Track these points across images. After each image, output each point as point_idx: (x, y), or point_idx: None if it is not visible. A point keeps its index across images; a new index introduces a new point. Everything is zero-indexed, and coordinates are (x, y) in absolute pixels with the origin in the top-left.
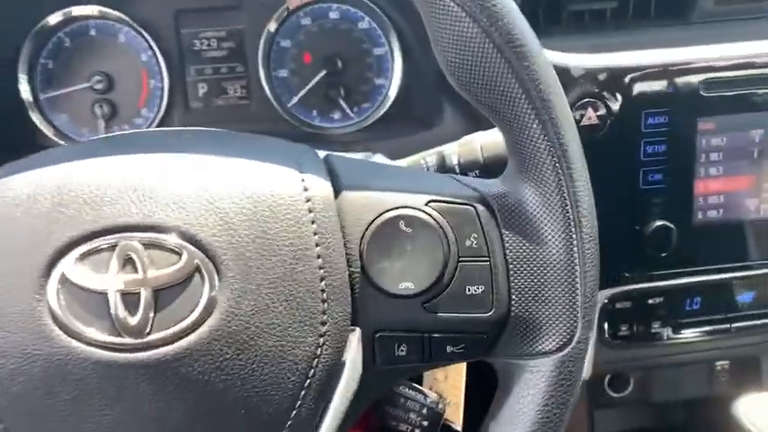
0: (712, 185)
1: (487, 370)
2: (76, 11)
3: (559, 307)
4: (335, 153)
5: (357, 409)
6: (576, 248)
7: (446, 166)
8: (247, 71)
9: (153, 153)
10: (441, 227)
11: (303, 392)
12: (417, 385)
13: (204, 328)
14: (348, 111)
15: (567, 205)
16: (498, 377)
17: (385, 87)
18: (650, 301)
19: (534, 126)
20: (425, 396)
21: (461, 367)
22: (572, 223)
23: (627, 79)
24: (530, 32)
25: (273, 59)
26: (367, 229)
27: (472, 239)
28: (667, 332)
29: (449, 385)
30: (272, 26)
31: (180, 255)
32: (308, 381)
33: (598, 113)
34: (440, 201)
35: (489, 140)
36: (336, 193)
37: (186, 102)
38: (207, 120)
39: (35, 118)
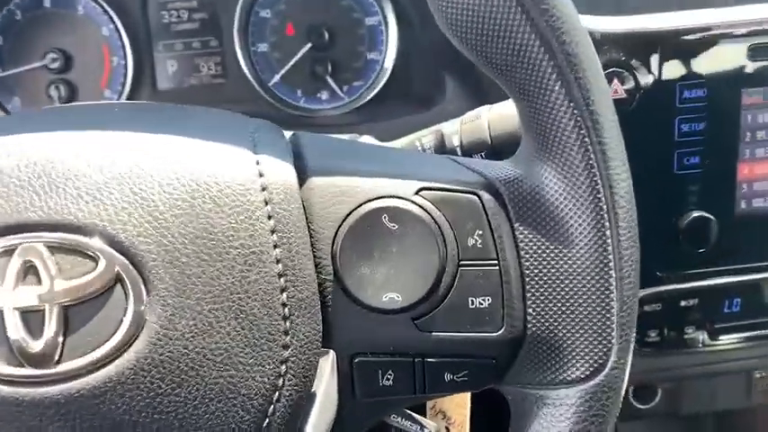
0: (758, 169)
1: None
2: None
3: (589, 323)
4: (307, 133)
5: None
6: (610, 247)
7: (446, 149)
8: (222, 46)
9: (69, 131)
10: (435, 222)
11: None
12: (412, 413)
13: (129, 356)
14: (337, 90)
15: (599, 191)
16: (511, 408)
17: (378, 62)
18: (684, 303)
19: (557, 89)
20: (421, 426)
21: None
22: (606, 215)
23: (659, 45)
24: None
25: (251, 32)
26: (341, 225)
27: (476, 238)
28: (702, 338)
29: (453, 403)
30: None
31: (96, 260)
32: (268, 420)
33: (625, 86)
34: (434, 188)
35: (498, 115)
36: (302, 179)
37: (154, 81)
38: (177, 102)
39: None
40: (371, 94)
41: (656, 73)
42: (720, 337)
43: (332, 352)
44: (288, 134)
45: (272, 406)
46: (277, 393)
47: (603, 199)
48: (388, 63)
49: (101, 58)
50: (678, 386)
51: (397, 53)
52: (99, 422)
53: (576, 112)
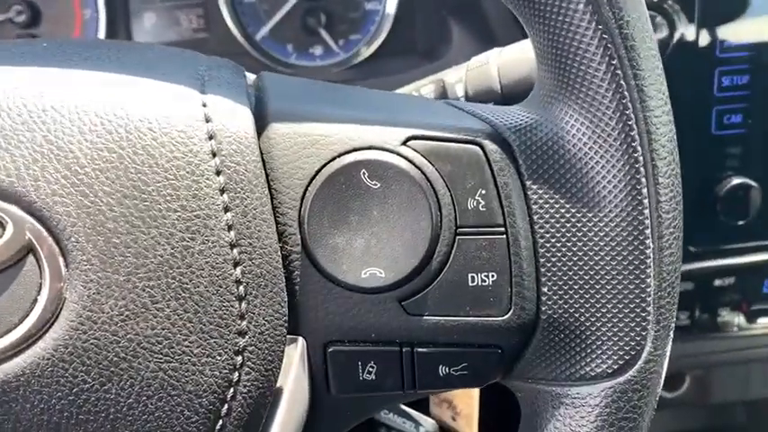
0: None
1: None
2: None
3: (619, 305)
4: (275, 73)
5: None
6: (647, 209)
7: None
8: None
9: None
10: (427, 179)
11: None
12: (406, 408)
13: (45, 343)
14: (332, 44)
15: (633, 138)
16: (522, 407)
17: (378, 13)
18: (718, 283)
19: (582, 6)
20: (417, 424)
21: None
22: (642, 168)
23: None
24: None
25: None
26: (310, 183)
27: (478, 199)
28: (738, 321)
29: (459, 391)
30: None
31: (3, 226)
32: (221, 422)
33: (658, 34)
34: (427, 137)
35: (510, 59)
36: (261, 126)
37: (129, 36)
38: None
39: None
40: (371, 50)
41: (695, 17)
42: (758, 320)
43: (301, 339)
44: (252, 77)
45: (226, 405)
46: (232, 390)
47: (639, 148)
48: (389, 14)
49: (71, 10)
50: (708, 373)
51: (398, 2)
52: (11, 424)
53: (605, 36)
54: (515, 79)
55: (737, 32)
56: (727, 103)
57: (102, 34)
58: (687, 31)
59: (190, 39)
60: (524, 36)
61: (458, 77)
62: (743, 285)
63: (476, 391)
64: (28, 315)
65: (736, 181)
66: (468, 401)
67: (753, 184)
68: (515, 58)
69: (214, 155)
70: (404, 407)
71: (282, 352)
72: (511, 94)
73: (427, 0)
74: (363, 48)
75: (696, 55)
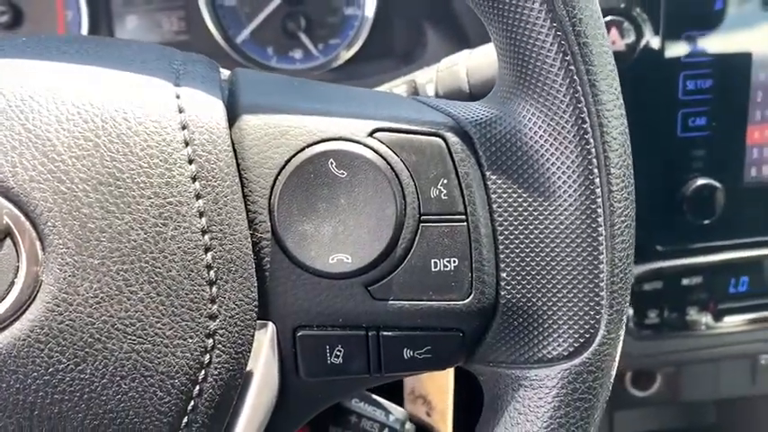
0: None
1: None
2: None
3: (574, 290)
4: (248, 69)
5: None
6: (600, 198)
7: None
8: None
9: None
10: (392, 168)
11: (185, 422)
12: (377, 397)
13: (22, 324)
14: (312, 48)
15: (586, 131)
16: (484, 390)
17: (357, 18)
18: (686, 282)
19: (537, 5)
20: (387, 412)
21: None
22: (594, 159)
23: None
24: None
25: None
26: (280, 172)
27: (440, 188)
28: (706, 320)
29: (434, 387)
30: None
31: None
32: (193, 403)
33: (626, 39)
34: (392, 129)
35: (477, 61)
36: (233, 118)
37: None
38: None
39: None
40: (350, 54)
41: (660, 22)
42: (725, 319)
43: (270, 324)
44: (227, 73)
45: (198, 386)
46: (203, 372)
47: (592, 140)
48: (367, 19)
49: (53, 12)
50: (678, 372)
51: (376, 6)
52: None
53: (559, 33)
54: (483, 80)
55: (702, 40)
56: (692, 106)
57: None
58: (653, 39)
59: (171, 41)
60: None
61: (428, 77)
62: (710, 285)
63: (450, 387)
64: (5, 297)
65: (700, 182)
66: (441, 397)
67: (717, 185)
68: (483, 61)
69: (187, 144)
70: (375, 396)
71: (252, 336)
72: (478, 95)
73: (404, 5)
74: (342, 51)
75: (662, 59)
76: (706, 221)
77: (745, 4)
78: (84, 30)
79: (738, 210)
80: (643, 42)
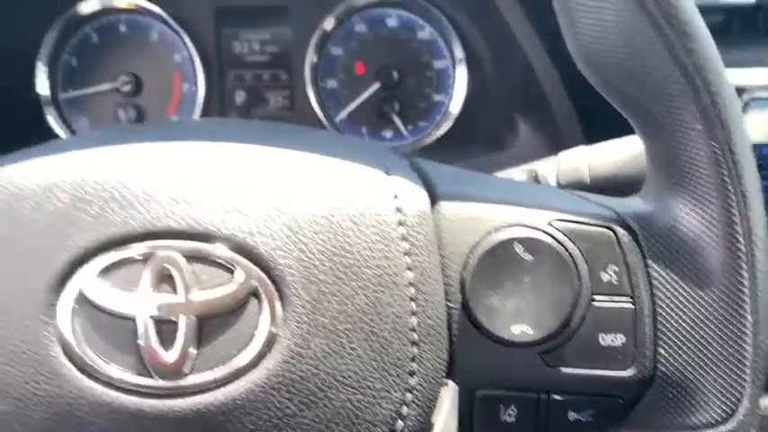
0: None
1: None
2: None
3: (722, 366)
4: (424, 159)
5: None
6: (747, 292)
7: None
8: (292, 80)
9: (200, 142)
10: (570, 254)
11: None
12: None
13: (260, 373)
14: (402, 128)
15: (737, 232)
16: None
17: (444, 104)
18: None
19: (698, 128)
20: None
21: None
22: (743, 256)
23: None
24: (692, 7)
25: (322, 68)
26: (472, 252)
27: (610, 273)
28: None
29: None
30: (322, 32)
31: (232, 272)
32: None
33: None
34: (568, 220)
35: (600, 161)
36: (432, 204)
37: (222, 110)
38: None
39: (51, 118)
40: (436, 135)
41: None
42: None
43: (452, 384)
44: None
45: None
46: (400, 422)
47: (742, 240)
48: (455, 106)
49: (171, 84)
50: None
51: (466, 96)
52: None
53: (717, 152)
54: (602, 175)
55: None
56: None
57: (198, 107)
58: None
59: (275, 116)
60: (587, 135)
61: (548, 168)
62: None
63: None
64: (245, 348)
65: None
66: None
67: None
68: (605, 160)
69: (401, 224)
70: None
71: (438, 393)
72: (596, 189)
73: (494, 99)
74: (429, 134)
75: None
76: None
77: None
78: (200, 101)
79: None
80: None
